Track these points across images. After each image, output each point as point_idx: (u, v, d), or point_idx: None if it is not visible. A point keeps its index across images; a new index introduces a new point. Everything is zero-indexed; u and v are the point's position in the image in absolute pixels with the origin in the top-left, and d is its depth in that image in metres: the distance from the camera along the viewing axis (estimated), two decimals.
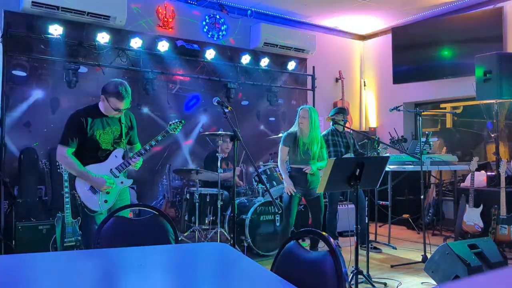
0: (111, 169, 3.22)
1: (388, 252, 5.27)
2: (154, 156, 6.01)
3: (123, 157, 3.30)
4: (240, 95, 6.87)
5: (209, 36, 6.71)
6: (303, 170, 4.28)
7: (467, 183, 5.60)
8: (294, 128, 4.38)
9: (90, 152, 3.17)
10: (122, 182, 3.28)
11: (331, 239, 1.60)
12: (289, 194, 4.27)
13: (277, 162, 4.58)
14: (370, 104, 8.51)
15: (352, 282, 3.52)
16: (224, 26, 6.86)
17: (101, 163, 3.20)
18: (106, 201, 3.19)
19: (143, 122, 6.01)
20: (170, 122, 3.46)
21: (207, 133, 5.55)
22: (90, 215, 3.16)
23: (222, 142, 5.31)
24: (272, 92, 7.04)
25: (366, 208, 4.96)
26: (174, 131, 3.45)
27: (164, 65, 6.11)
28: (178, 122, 3.46)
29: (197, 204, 5.04)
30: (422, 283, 4.01)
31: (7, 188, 4.67)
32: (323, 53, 7.74)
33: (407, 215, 6.67)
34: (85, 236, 3.41)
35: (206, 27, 6.70)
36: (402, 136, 5.05)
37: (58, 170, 4.47)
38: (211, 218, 5.16)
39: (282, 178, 4.47)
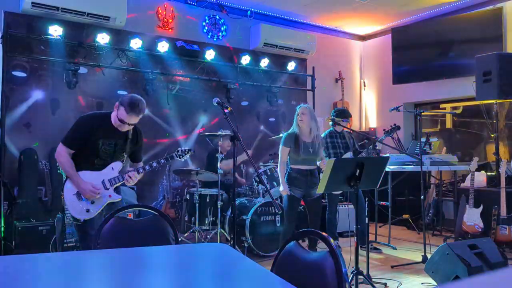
0: (103, 180, 3.12)
1: (388, 253, 5.27)
2: (154, 157, 6.00)
3: (120, 172, 3.20)
4: (240, 96, 6.87)
5: (209, 36, 6.72)
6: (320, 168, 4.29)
7: (467, 183, 5.60)
8: (293, 128, 4.35)
9: (87, 158, 3.12)
10: (110, 196, 3.14)
11: (331, 240, 1.60)
12: (287, 194, 4.25)
13: (277, 163, 4.54)
14: (370, 104, 8.51)
15: (352, 283, 3.52)
16: (224, 26, 6.86)
17: (95, 172, 3.13)
18: (88, 211, 3.07)
19: (143, 123, 5.98)
20: (179, 149, 3.41)
21: (207, 133, 5.55)
22: (74, 223, 3.11)
23: (222, 141, 5.31)
24: (272, 92, 7.03)
25: (366, 209, 4.96)
26: (180, 158, 3.39)
27: (164, 66, 6.11)
28: (187, 150, 3.41)
29: (197, 204, 5.03)
30: (422, 283, 4.00)
31: (7, 188, 4.67)
32: (323, 53, 7.75)
33: (407, 216, 6.66)
34: (81, 243, 3.26)
35: (206, 28, 6.70)
36: (394, 124, 4.89)
37: (58, 171, 4.47)
38: (211, 219, 5.15)
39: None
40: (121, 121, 3.07)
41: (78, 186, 3.05)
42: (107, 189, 3.12)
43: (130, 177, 3.15)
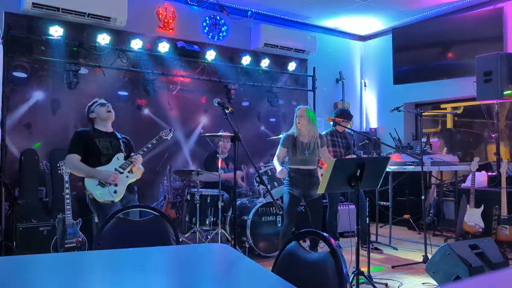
0: (115, 168, 3.49)
1: (389, 253, 5.26)
2: (155, 157, 6.01)
3: (125, 159, 3.59)
4: (240, 96, 6.87)
5: (209, 37, 6.72)
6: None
7: (468, 183, 5.60)
8: (292, 130, 4.40)
9: (93, 159, 3.47)
10: (127, 176, 3.54)
11: (332, 240, 1.60)
12: (286, 189, 4.27)
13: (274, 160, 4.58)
14: (370, 104, 8.51)
15: (353, 283, 3.51)
16: (225, 27, 6.86)
17: (105, 166, 3.48)
18: (115, 192, 3.44)
19: (144, 123, 6.02)
20: (161, 131, 3.89)
21: (207, 134, 5.55)
22: (103, 207, 3.40)
23: (222, 142, 5.32)
24: (273, 93, 7.04)
25: (367, 209, 4.96)
26: (166, 137, 3.86)
27: (164, 66, 6.12)
28: (169, 130, 3.93)
29: (197, 205, 5.03)
30: (423, 283, 4.00)
31: (8, 189, 4.67)
32: (324, 54, 7.74)
33: (408, 216, 6.66)
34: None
35: (207, 28, 6.70)
36: (408, 144, 5.02)
37: (59, 171, 4.47)
38: (212, 219, 5.15)
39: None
40: (102, 117, 3.59)
41: (99, 175, 3.41)
42: (122, 173, 3.51)
43: (136, 159, 3.56)
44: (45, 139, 5.31)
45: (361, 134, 5.72)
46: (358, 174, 3.36)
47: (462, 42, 6.80)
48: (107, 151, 3.52)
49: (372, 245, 5.28)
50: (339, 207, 5.57)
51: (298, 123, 4.31)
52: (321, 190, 3.46)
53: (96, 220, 3.71)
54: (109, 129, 3.64)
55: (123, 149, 3.61)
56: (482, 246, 3.73)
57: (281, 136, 4.55)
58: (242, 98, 6.95)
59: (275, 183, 5.23)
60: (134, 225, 2.48)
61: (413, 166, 5.63)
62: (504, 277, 0.66)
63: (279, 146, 4.39)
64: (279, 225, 5.01)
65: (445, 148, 6.46)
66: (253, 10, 7.05)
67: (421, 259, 4.66)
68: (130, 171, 3.58)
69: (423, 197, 4.79)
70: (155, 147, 3.84)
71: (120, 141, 3.63)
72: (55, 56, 5.31)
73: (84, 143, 3.48)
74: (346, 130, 5.35)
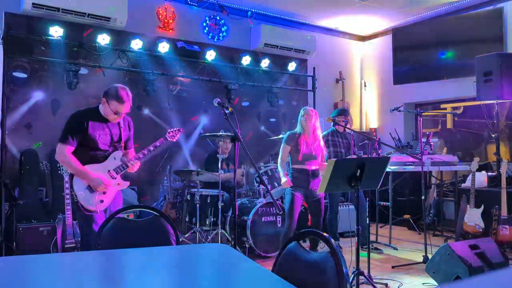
0: (109, 170, 3.25)
1: (389, 253, 5.26)
2: (155, 157, 6.01)
3: (121, 160, 3.34)
4: (240, 96, 6.87)
5: (209, 37, 6.72)
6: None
7: (468, 183, 5.60)
8: (296, 129, 4.41)
9: (89, 152, 3.19)
10: (119, 184, 3.30)
11: (332, 240, 1.60)
12: (289, 189, 4.27)
13: (277, 163, 4.59)
14: (370, 104, 8.51)
15: (353, 283, 3.51)
16: (225, 27, 6.86)
17: (99, 164, 3.23)
18: (102, 201, 3.19)
19: (144, 123, 6.01)
20: (169, 130, 3.56)
21: (207, 134, 5.55)
22: (86, 214, 3.15)
23: (223, 143, 5.31)
24: (273, 93, 7.03)
25: (367, 209, 4.96)
26: (172, 139, 3.53)
27: (164, 67, 6.11)
28: (177, 130, 3.55)
29: (197, 205, 5.03)
30: (423, 283, 4.00)
31: (8, 189, 4.67)
32: (324, 54, 7.75)
33: (408, 216, 6.66)
34: (83, 237, 3.31)
35: (207, 28, 6.70)
36: (408, 143, 5.04)
37: (59, 172, 4.46)
38: (212, 219, 5.15)
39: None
40: (117, 113, 3.18)
41: (89, 180, 3.14)
42: (114, 178, 3.25)
43: (132, 165, 3.29)
44: (45, 139, 5.31)
45: (361, 134, 5.71)
46: (358, 174, 3.36)
47: (462, 42, 6.80)
48: (104, 145, 3.21)
49: (372, 245, 5.28)
50: (339, 207, 5.57)
51: (304, 120, 4.31)
52: (321, 190, 3.46)
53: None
54: (118, 119, 3.27)
55: (123, 144, 3.33)
56: (482, 246, 3.74)
57: (281, 136, 4.55)
58: (242, 98, 6.95)
59: (275, 183, 5.23)
60: (134, 225, 2.48)
61: (413, 166, 5.63)
62: (504, 277, 0.66)
63: (282, 145, 4.36)
64: (279, 225, 5.01)
65: (445, 148, 6.46)
66: (253, 10, 7.05)
67: (421, 259, 4.66)
68: (125, 172, 3.33)
69: (423, 197, 4.79)
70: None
71: (121, 130, 3.31)
72: (55, 56, 5.31)
73: (80, 132, 3.13)
74: (347, 131, 5.36)
